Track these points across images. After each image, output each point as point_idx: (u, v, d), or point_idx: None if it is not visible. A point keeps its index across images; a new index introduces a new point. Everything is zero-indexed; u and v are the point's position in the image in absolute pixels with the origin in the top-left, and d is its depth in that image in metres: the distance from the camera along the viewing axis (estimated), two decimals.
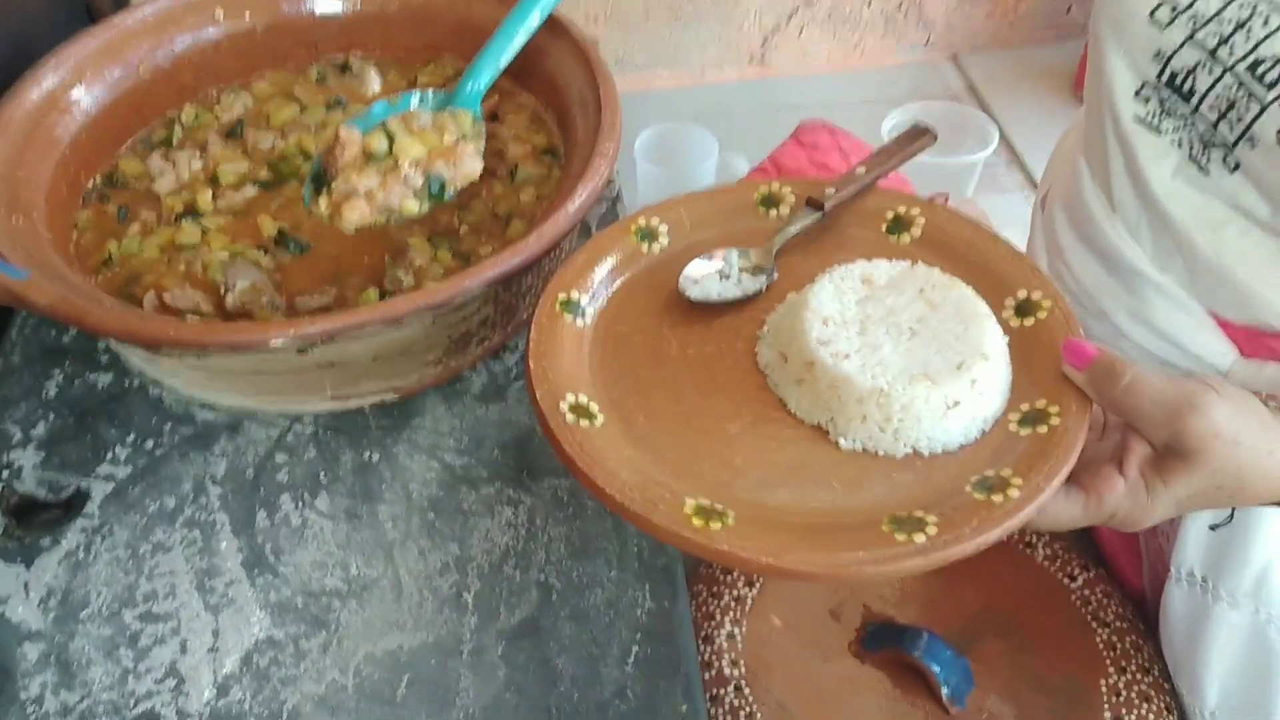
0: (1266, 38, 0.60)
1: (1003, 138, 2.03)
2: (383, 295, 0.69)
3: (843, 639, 0.76)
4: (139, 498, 0.67)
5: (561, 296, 0.62)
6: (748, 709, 0.71)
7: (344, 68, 0.90)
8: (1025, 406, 0.55)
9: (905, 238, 0.66)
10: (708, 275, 0.64)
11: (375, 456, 0.70)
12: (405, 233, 0.74)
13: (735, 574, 0.79)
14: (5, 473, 0.68)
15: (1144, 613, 0.79)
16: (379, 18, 0.90)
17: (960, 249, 0.64)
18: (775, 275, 0.64)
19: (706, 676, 0.74)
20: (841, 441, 0.55)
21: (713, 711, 0.72)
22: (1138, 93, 0.68)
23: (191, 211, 0.76)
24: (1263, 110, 0.59)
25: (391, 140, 0.76)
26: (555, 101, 0.83)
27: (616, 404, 0.58)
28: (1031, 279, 0.61)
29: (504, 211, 0.77)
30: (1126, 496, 0.51)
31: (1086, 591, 0.78)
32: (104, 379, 0.75)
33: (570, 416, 0.55)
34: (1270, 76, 0.59)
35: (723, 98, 2.25)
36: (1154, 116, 0.67)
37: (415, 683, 0.59)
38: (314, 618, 0.62)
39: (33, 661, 0.60)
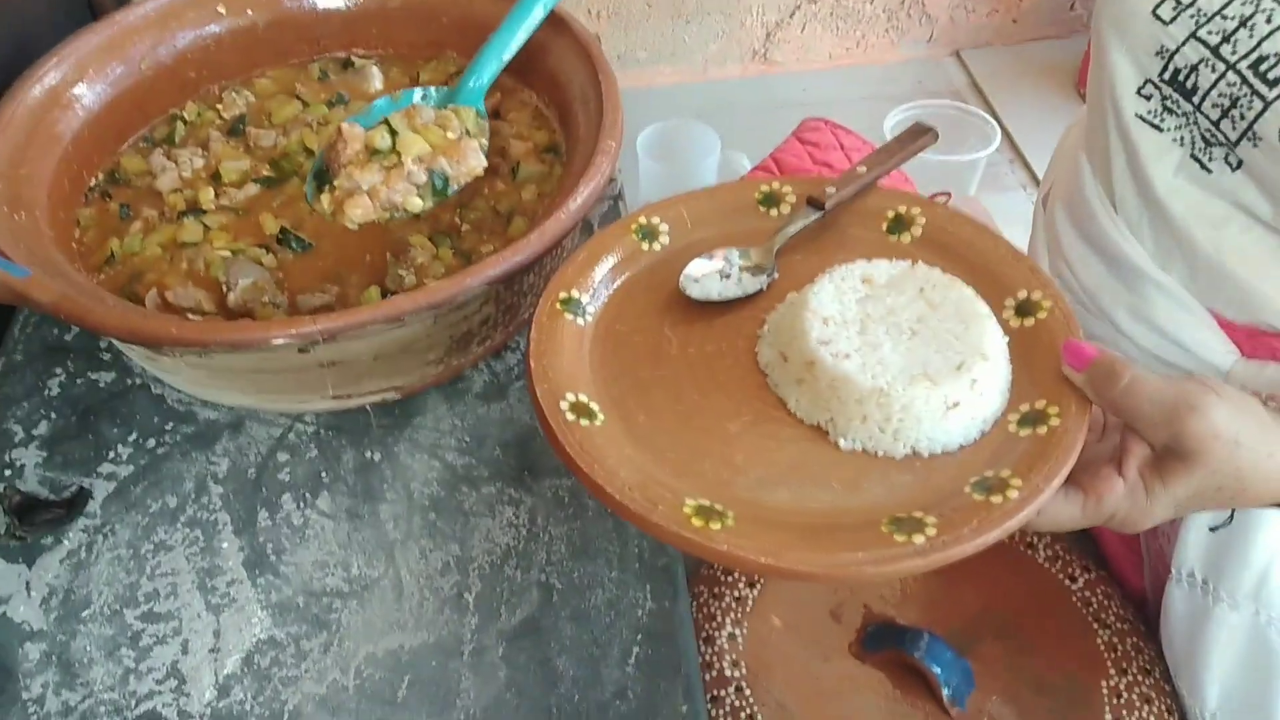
0: (1270, 34, 0.60)
1: (1005, 135, 2.02)
2: (384, 294, 0.69)
3: (843, 640, 0.76)
4: (141, 497, 0.67)
5: (562, 295, 0.62)
6: (748, 709, 0.71)
7: (346, 64, 0.90)
8: (1025, 407, 0.55)
9: (906, 237, 0.66)
10: (708, 274, 0.63)
11: (377, 456, 0.70)
12: (407, 231, 0.74)
13: (736, 574, 0.79)
14: (7, 472, 0.68)
15: (1145, 614, 0.79)
16: (381, 14, 0.90)
17: (961, 249, 0.64)
18: (776, 274, 0.64)
19: (707, 677, 0.74)
20: (841, 441, 0.55)
21: (713, 712, 0.72)
22: (1140, 90, 0.68)
23: (193, 209, 0.76)
24: (1265, 108, 0.59)
25: (394, 136, 0.76)
26: (557, 98, 0.83)
27: (617, 403, 0.58)
28: (1032, 279, 0.61)
29: (506, 209, 0.77)
30: (1126, 498, 0.51)
31: (1087, 593, 0.78)
32: (106, 377, 0.75)
33: (570, 415, 0.55)
34: (1273, 74, 0.59)
35: (725, 94, 2.24)
36: (1156, 114, 0.67)
37: (416, 683, 0.60)
38: (315, 618, 0.62)
39: (34, 661, 0.60)
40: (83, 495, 0.67)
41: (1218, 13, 0.62)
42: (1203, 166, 0.65)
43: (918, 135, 0.72)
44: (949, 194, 1.36)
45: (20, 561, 0.64)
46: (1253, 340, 0.67)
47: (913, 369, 0.54)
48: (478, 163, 0.76)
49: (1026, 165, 2.01)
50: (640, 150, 1.77)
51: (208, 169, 0.79)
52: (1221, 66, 0.61)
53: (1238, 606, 0.67)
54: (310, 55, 0.90)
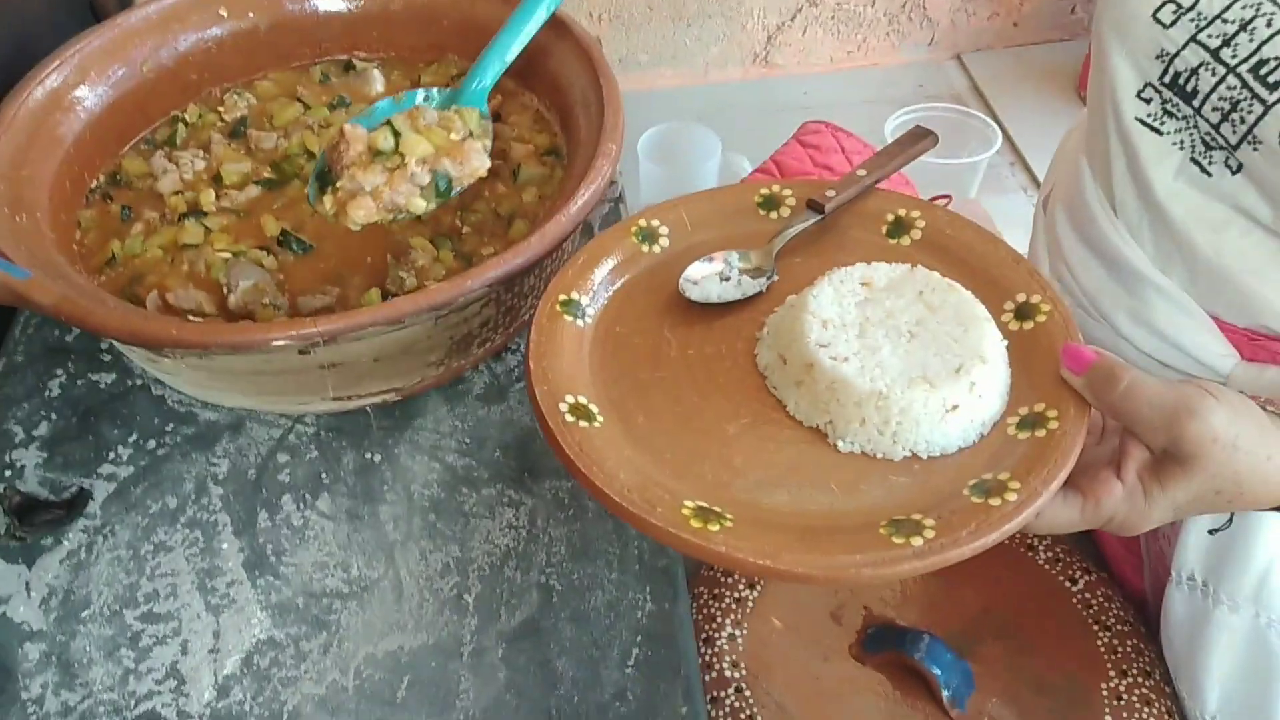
0: (1270, 38, 0.60)
1: (1006, 138, 2.02)
2: (385, 296, 0.69)
3: (843, 641, 0.76)
4: (141, 498, 0.68)
5: (562, 297, 0.62)
6: (748, 711, 0.71)
7: (347, 67, 0.90)
8: (1024, 410, 0.55)
9: (906, 240, 0.66)
10: (708, 276, 0.64)
11: (377, 457, 0.70)
12: (408, 233, 0.74)
13: (736, 576, 0.79)
14: (8, 472, 0.69)
15: (1145, 616, 0.79)
16: (383, 17, 0.90)
17: (960, 252, 0.64)
18: (775, 277, 0.64)
19: (707, 678, 0.74)
20: (840, 444, 0.55)
21: (713, 713, 0.72)
22: (1140, 93, 0.68)
23: (195, 211, 0.76)
24: (1266, 112, 0.59)
25: (397, 137, 0.75)
26: (558, 101, 0.83)
27: (616, 405, 0.58)
28: (1031, 282, 0.61)
29: (506, 212, 0.77)
30: (1124, 501, 0.51)
31: (1088, 594, 0.78)
32: (106, 378, 0.75)
33: (570, 417, 0.55)
34: (1274, 78, 0.59)
35: (726, 97, 2.24)
36: (1156, 117, 0.67)
37: (416, 684, 0.60)
38: (315, 619, 0.62)
39: (34, 661, 0.60)
40: (83, 496, 0.68)
41: (1218, 16, 0.62)
42: (1203, 170, 0.65)
43: (918, 139, 0.72)
44: (949, 197, 1.36)
45: (20, 562, 0.64)
46: (1253, 344, 0.67)
47: (912, 372, 0.54)
48: (481, 164, 0.76)
49: (1027, 168, 2.01)
50: (641, 153, 1.76)
51: (209, 171, 0.79)
52: (1222, 70, 0.61)
53: (1238, 609, 0.67)
54: (312, 58, 0.90)
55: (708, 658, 0.75)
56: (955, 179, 1.75)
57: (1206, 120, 0.63)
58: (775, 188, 0.69)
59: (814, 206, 0.67)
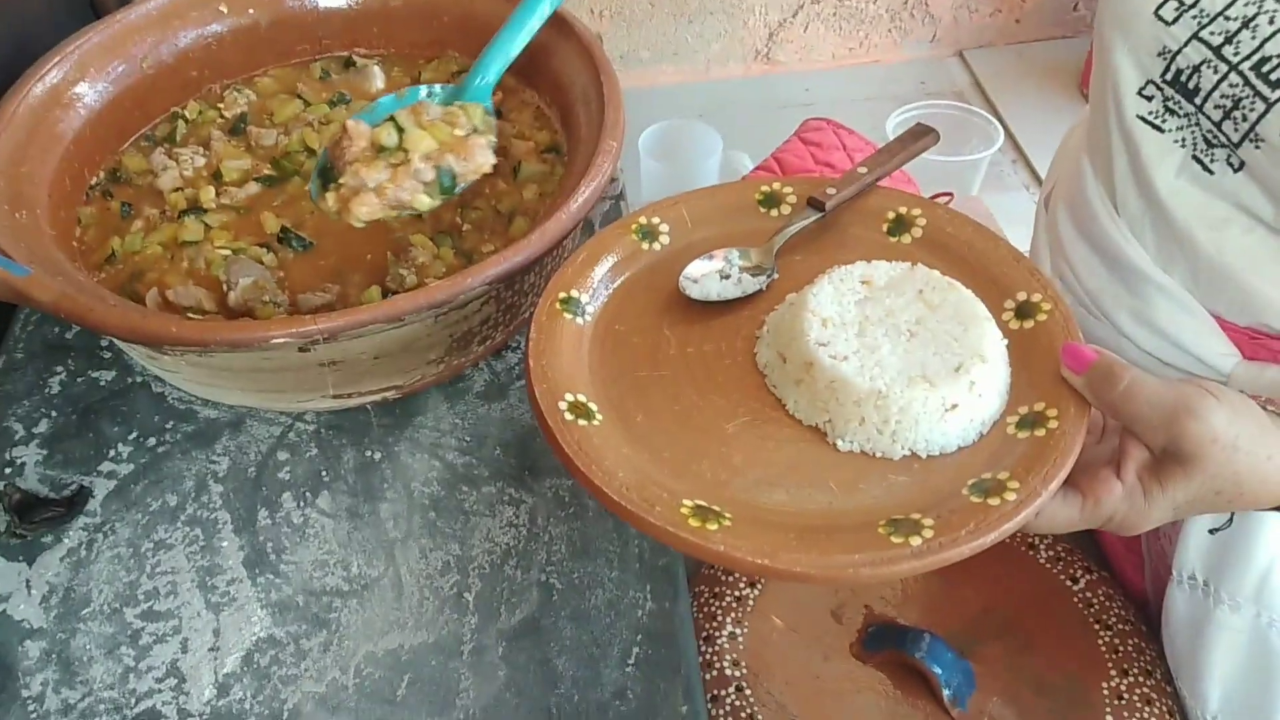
0: (1272, 35, 0.59)
1: (1008, 135, 2.02)
2: (385, 293, 0.69)
3: (844, 640, 0.76)
4: (141, 495, 0.68)
5: (562, 295, 0.62)
6: (749, 709, 0.71)
7: (348, 64, 0.90)
8: (1024, 409, 0.55)
9: (906, 238, 0.66)
10: (708, 274, 0.63)
11: (377, 455, 0.70)
12: (408, 230, 0.74)
13: (737, 574, 0.79)
14: (8, 470, 0.69)
15: (1147, 615, 0.79)
16: (383, 13, 0.90)
17: (961, 250, 0.64)
18: (775, 275, 0.64)
19: (708, 677, 0.73)
20: (839, 443, 0.55)
21: (714, 712, 0.72)
22: (1141, 90, 0.67)
23: (194, 208, 0.76)
24: (1268, 109, 0.59)
25: (401, 133, 0.74)
26: (559, 98, 0.83)
27: (615, 403, 0.58)
28: (1032, 281, 0.61)
29: (507, 209, 0.77)
30: (1124, 500, 0.51)
31: (1089, 594, 0.78)
32: (106, 375, 0.75)
33: (569, 415, 0.55)
34: (1276, 75, 0.59)
35: (727, 94, 2.24)
36: (1157, 115, 0.67)
37: (416, 682, 0.60)
38: (315, 617, 0.62)
39: (34, 659, 0.60)
40: (83, 493, 0.67)
41: (1220, 13, 0.62)
42: (1204, 168, 0.65)
43: (919, 136, 0.72)
44: (951, 194, 1.36)
45: (20, 559, 0.64)
46: (1254, 342, 0.67)
47: (911, 371, 0.54)
48: (485, 160, 0.75)
49: (1029, 165, 2.01)
50: (642, 150, 1.76)
51: (209, 168, 0.79)
52: (1224, 67, 0.61)
53: (1239, 608, 0.67)
54: (312, 54, 0.90)
55: (708, 656, 0.75)
56: (957, 176, 1.75)
57: (1208, 118, 0.63)
58: (776, 185, 0.69)
59: (814, 204, 0.66)
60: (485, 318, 0.69)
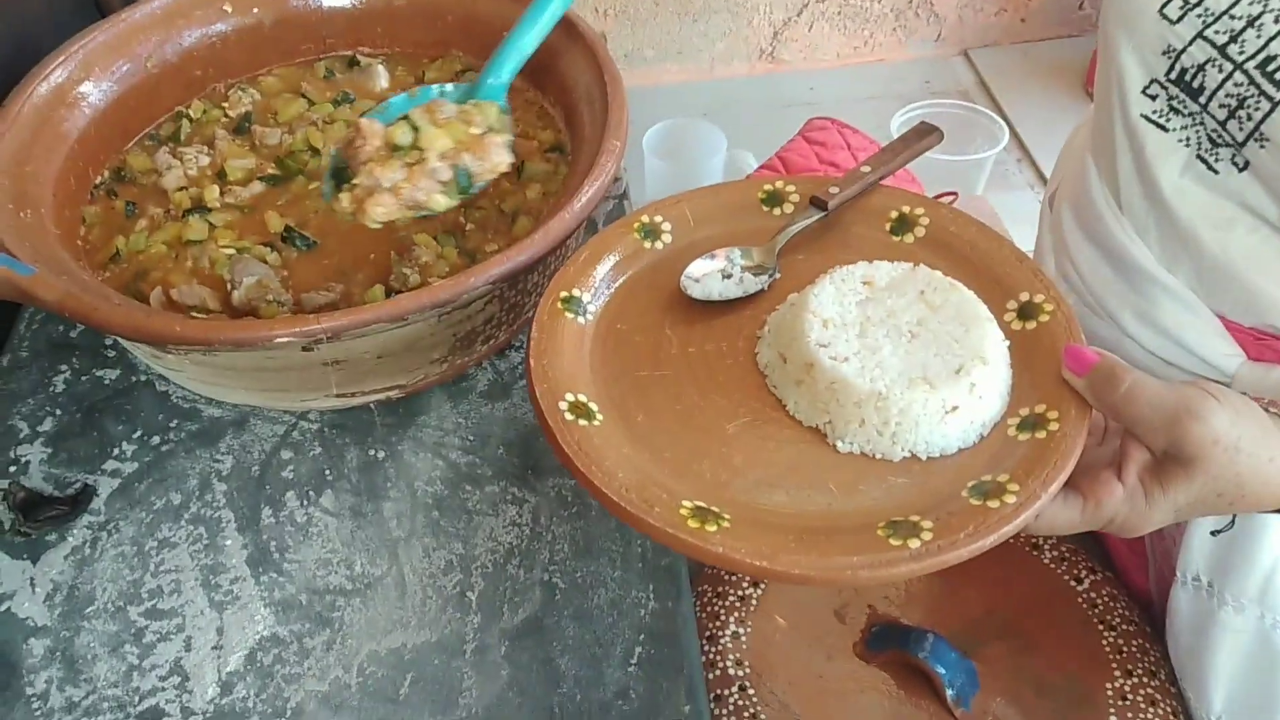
0: (1278, 34, 0.59)
1: (1013, 134, 2.02)
2: (389, 292, 0.69)
3: (847, 640, 0.76)
4: (145, 494, 0.68)
5: (563, 294, 0.62)
6: (752, 709, 0.71)
7: (352, 63, 0.90)
8: (1025, 411, 0.55)
9: (909, 237, 0.66)
10: (709, 274, 0.63)
11: (380, 454, 0.70)
12: (411, 229, 0.74)
13: (739, 574, 0.79)
14: (13, 468, 0.69)
15: (1151, 615, 0.78)
16: (386, 12, 0.90)
17: (964, 250, 0.64)
18: (777, 274, 0.64)
19: (711, 676, 0.73)
20: (839, 444, 0.55)
21: (716, 711, 0.72)
22: (1145, 89, 0.67)
23: (199, 207, 0.76)
24: (1273, 109, 0.59)
25: (416, 132, 0.73)
26: (563, 98, 0.83)
27: (616, 403, 0.58)
28: (1034, 282, 0.61)
29: (510, 208, 0.77)
30: (1125, 502, 0.51)
31: (1093, 594, 0.78)
32: (111, 374, 0.75)
33: (569, 415, 0.55)
34: None
35: (732, 93, 2.24)
36: (1162, 114, 0.67)
37: (419, 681, 0.60)
38: (318, 615, 0.62)
39: (38, 657, 0.60)
40: (87, 492, 0.68)
41: (1225, 12, 0.62)
42: (1209, 167, 0.64)
43: (923, 135, 0.72)
44: (956, 193, 1.36)
45: (25, 558, 0.64)
46: (1259, 343, 0.66)
47: (912, 372, 0.54)
48: (502, 159, 0.73)
49: (1034, 164, 2.00)
50: (646, 149, 1.76)
51: (213, 167, 0.79)
52: (1229, 66, 0.61)
53: (1243, 609, 0.67)
54: (316, 54, 0.90)
55: (711, 656, 0.75)
56: (962, 175, 1.75)
57: (1213, 117, 0.63)
58: (779, 184, 0.69)
59: (817, 203, 0.66)
60: (488, 317, 0.69)
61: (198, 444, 0.71)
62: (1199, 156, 0.65)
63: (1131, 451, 0.52)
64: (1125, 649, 0.74)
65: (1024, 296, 0.60)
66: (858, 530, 0.50)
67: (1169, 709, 0.72)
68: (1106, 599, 0.77)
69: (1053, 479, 0.50)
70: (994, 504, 0.50)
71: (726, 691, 0.73)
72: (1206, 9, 0.62)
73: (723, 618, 0.77)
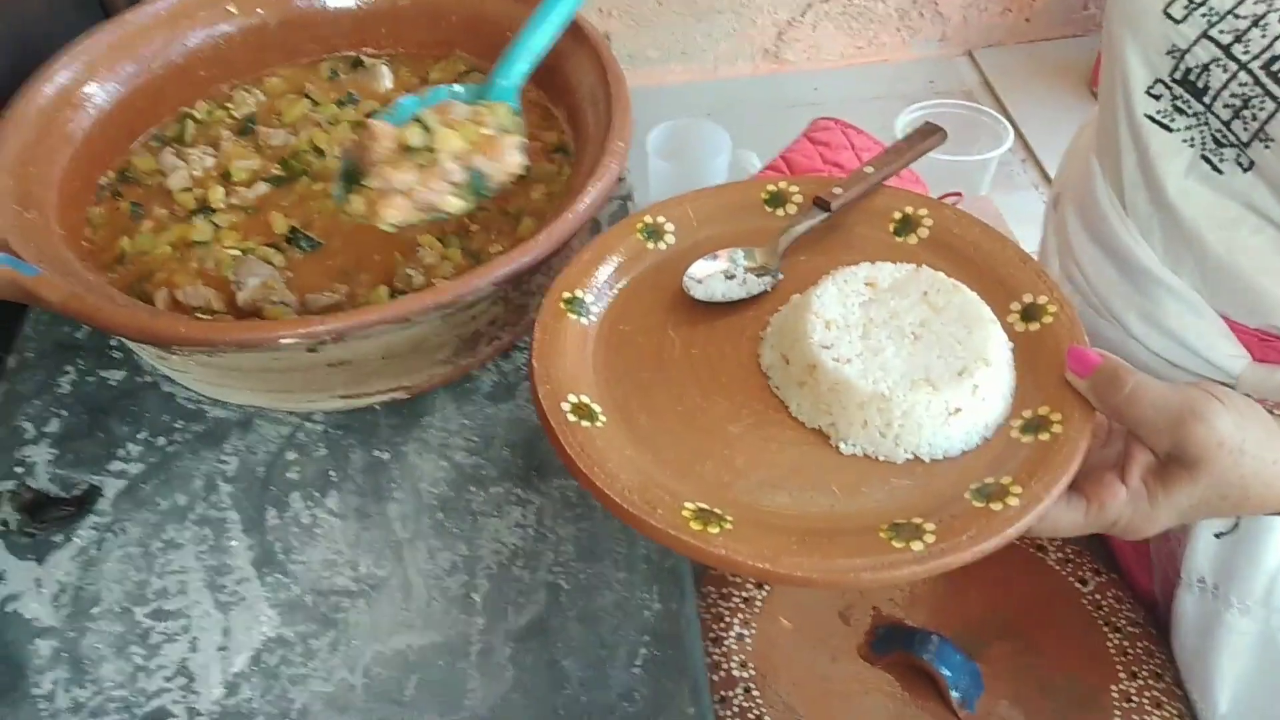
0: None
1: (1018, 134, 2.02)
2: (393, 293, 0.69)
3: (852, 641, 0.76)
4: (150, 495, 0.68)
5: (566, 295, 0.62)
6: (756, 711, 0.71)
7: (356, 64, 0.90)
8: (1028, 413, 0.55)
9: (913, 238, 0.66)
10: (712, 275, 0.63)
11: (385, 455, 0.70)
12: (416, 230, 0.74)
13: (743, 576, 0.79)
14: (19, 469, 0.69)
15: (1156, 617, 0.78)
16: (391, 13, 0.90)
17: (968, 250, 0.64)
18: (780, 275, 0.64)
19: (715, 678, 0.74)
20: (842, 446, 0.55)
21: (721, 713, 0.72)
22: (1149, 89, 0.67)
23: (204, 208, 0.76)
24: (1278, 108, 0.59)
25: (428, 134, 0.71)
26: (566, 99, 0.82)
27: (619, 404, 0.58)
28: (1038, 283, 0.61)
29: (514, 209, 0.77)
30: (1128, 505, 0.51)
31: (1098, 596, 0.78)
32: (116, 375, 0.75)
33: (572, 417, 0.55)
34: None
35: (736, 93, 2.24)
36: (1166, 114, 0.67)
37: (424, 683, 0.60)
38: (323, 617, 0.62)
39: (45, 658, 0.60)
40: (93, 493, 0.68)
41: (1230, 11, 0.62)
42: (1214, 167, 0.64)
43: (926, 135, 0.72)
44: (960, 194, 1.35)
45: (31, 558, 0.65)
46: (1263, 344, 0.66)
47: (914, 374, 0.54)
48: (516, 160, 0.72)
49: (1039, 165, 2.00)
50: (650, 149, 1.76)
51: (218, 168, 0.79)
52: (1233, 66, 0.61)
53: (1248, 612, 0.67)
54: (320, 54, 0.90)
55: (716, 657, 0.75)
56: (966, 176, 1.75)
57: (1217, 117, 0.63)
58: (782, 184, 0.69)
59: (820, 204, 0.66)
60: (493, 318, 0.69)
61: (203, 445, 0.71)
62: (1203, 157, 0.65)
63: (1135, 454, 0.52)
64: (1130, 651, 0.74)
65: (1027, 298, 0.60)
66: (860, 532, 0.50)
67: (1174, 711, 0.72)
68: (1112, 600, 0.77)
69: (1056, 481, 0.50)
70: (997, 506, 0.49)
71: (731, 693, 0.73)
72: (1211, 9, 0.62)
73: (727, 619, 0.77)
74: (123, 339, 0.75)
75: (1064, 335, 0.57)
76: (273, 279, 0.69)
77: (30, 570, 0.64)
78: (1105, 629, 0.76)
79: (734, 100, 2.20)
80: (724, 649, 0.75)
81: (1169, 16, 0.64)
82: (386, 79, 0.88)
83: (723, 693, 0.73)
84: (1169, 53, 0.65)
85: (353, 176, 0.72)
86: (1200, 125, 0.65)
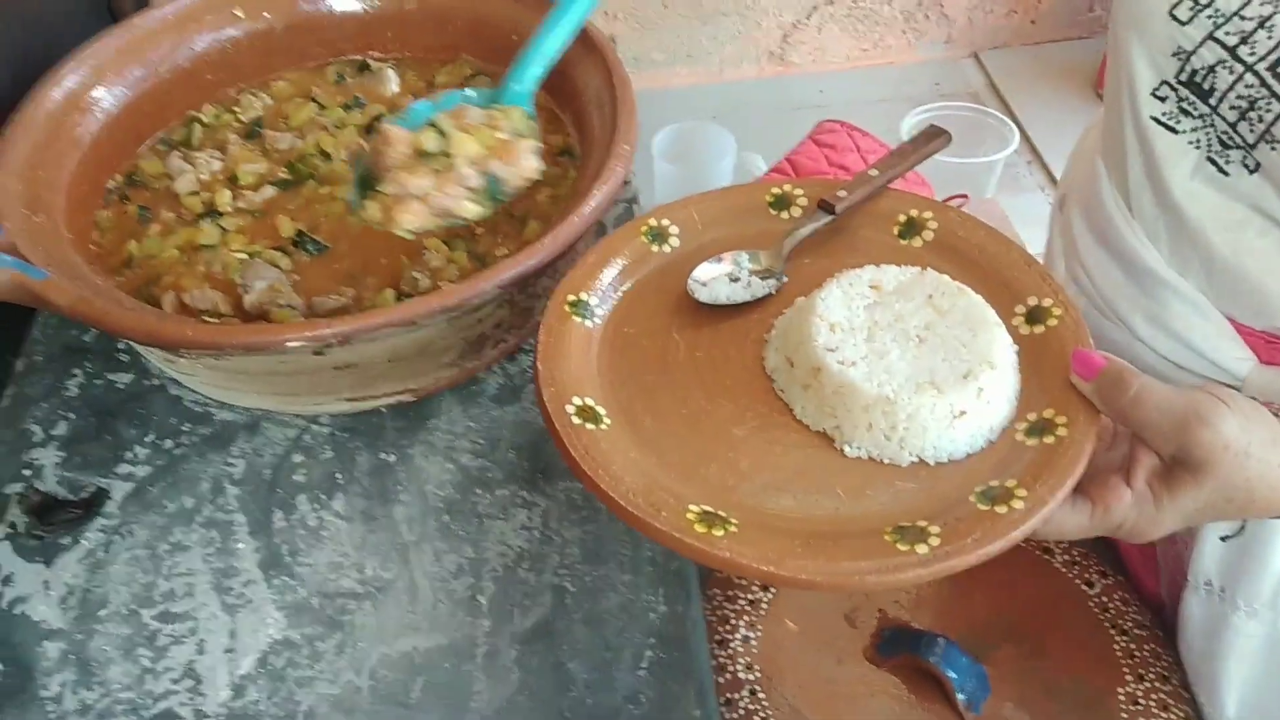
0: None
1: (1023, 136, 2.01)
2: (399, 296, 0.69)
3: (858, 644, 0.76)
4: (158, 497, 0.68)
5: (570, 298, 0.62)
6: (762, 713, 0.71)
7: (362, 67, 0.90)
8: (1033, 416, 0.55)
9: (918, 241, 0.66)
10: (716, 278, 0.63)
11: (391, 458, 0.71)
12: (422, 234, 0.74)
13: (747, 579, 0.79)
14: (26, 472, 0.69)
15: (1163, 620, 0.78)
16: (397, 17, 0.90)
17: (972, 253, 0.64)
18: (785, 278, 0.64)
19: (721, 680, 0.74)
20: (847, 449, 0.55)
21: (727, 715, 0.72)
22: (1155, 91, 0.67)
23: (211, 212, 0.76)
24: None
25: (444, 139, 0.71)
26: (572, 102, 0.83)
27: (624, 407, 0.58)
28: (1043, 286, 0.60)
29: (520, 212, 0.77)
30: (1133, 508, 0.51)
31: (1105, 598, 0.77)
32: (124, 378, 0.75)
33: (577, 420, 0.55)
34: None
35: (741, 95, 2.24)
36: (1172, 116, 0.67)
37: (429, 685, 0.60)
38: (330, 619, 0.63)
39: (53, 660, 0.60)
40: (100, 495, 0.68)
41: (1236, 13, 0.62)
42: (1220, 169, 0.64)
43: (931, 138, 0.72)
44: (966, 196, 1.35)
45: (39, 561, 0.65)
46: (1269, 346, 0.66)
47: (919, 377, 0.54)
48: (532, 165, 0.71)
49: (1045, 167, 2.00)
50: (655, 152, 1.76)
51: (225, 171, 0.80)
52: (1240, 68, 0.61)
53: (1255, 614, 0.67)
54: (326, 58, 0.90)
55: (722, 660, 0.75)
56: (972, 178, 1.74)
57: (1224, 119, 0.63)
58: (787, 187, 0.69)
59: (825, 207, 0.66)
60: (498, 321, 0.69)
61: (210, 448, 0.71)
62: (1209, 159, 0.65)
63: (1140, 457, 0.52)
64: (1137, 653, 0.74)
65: (1032, 301, 0.60)
66: (865, 535, 0.50)
67: (1181, 714, 0.71)
68: (1118, 603, 0.77)
69: (1061, 484, 0.50)
70: (1002, 509, 0.49)
71: (736, 695, 0.73)
72: (1217, 10, 0.62)
73: (733, 622, 0.77)
74: (130, 342, 0.75)
75: (1069, 338, 0.57)
76: (279, 282, 0.70)
77: (38, 572, 0.64)
78: (1112, 631, 0.75)
79: (739, 103, 2.20)
80: (729, 651, 0.75)
81: (1175, 18, 0.64)
82: (393, 83, 0.89)
83: (728, 695, 0.73)
84: (1175, 54, 0.65)
85: (368, 182, 0.71)
86: (1206, 127, 0.65)
